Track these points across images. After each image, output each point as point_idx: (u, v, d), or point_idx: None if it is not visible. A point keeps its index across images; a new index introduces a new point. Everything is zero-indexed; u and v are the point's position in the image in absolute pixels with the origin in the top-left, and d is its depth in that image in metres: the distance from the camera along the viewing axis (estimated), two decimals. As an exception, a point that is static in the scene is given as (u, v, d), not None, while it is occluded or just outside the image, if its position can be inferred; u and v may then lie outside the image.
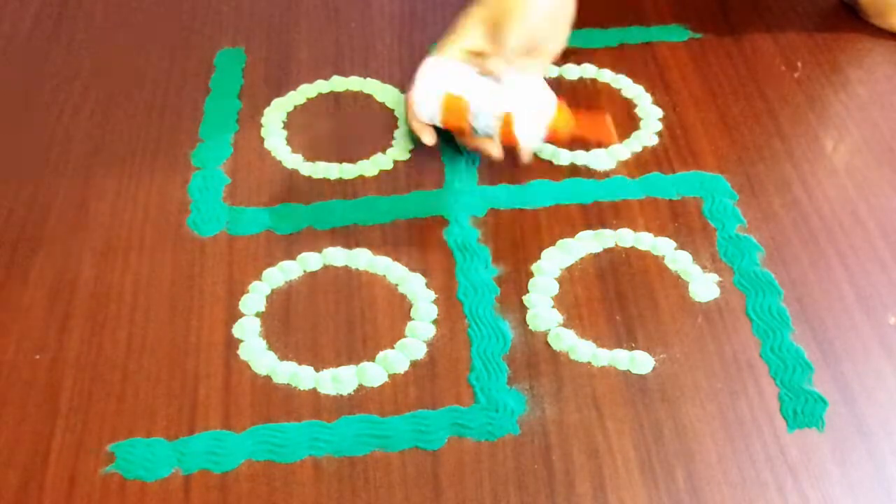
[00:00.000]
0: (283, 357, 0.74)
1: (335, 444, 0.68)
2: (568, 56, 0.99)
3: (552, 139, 0.85)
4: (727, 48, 1.01)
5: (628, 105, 0.95)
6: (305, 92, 0.96)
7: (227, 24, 1.05)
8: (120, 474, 0.67)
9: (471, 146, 0.86)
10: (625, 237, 0.82)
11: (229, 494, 0.66)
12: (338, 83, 0.97)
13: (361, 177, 0.88)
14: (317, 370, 0.73)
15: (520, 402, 0.71)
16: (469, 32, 0.86)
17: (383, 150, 0.90)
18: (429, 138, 0.86)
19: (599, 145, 0.88)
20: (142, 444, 0.68)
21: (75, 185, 0.87)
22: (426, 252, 0.81)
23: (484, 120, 0.82)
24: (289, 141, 0.91)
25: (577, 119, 0.83)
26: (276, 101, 0.95)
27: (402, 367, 0.73)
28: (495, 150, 0.84)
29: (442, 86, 0.82)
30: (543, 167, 0.88)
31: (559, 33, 0.89)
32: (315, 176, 0.88)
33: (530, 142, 0.83)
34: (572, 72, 0.98)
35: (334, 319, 0.76)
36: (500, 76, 0.82)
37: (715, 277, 0.79)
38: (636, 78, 0.97)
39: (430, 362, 0.74)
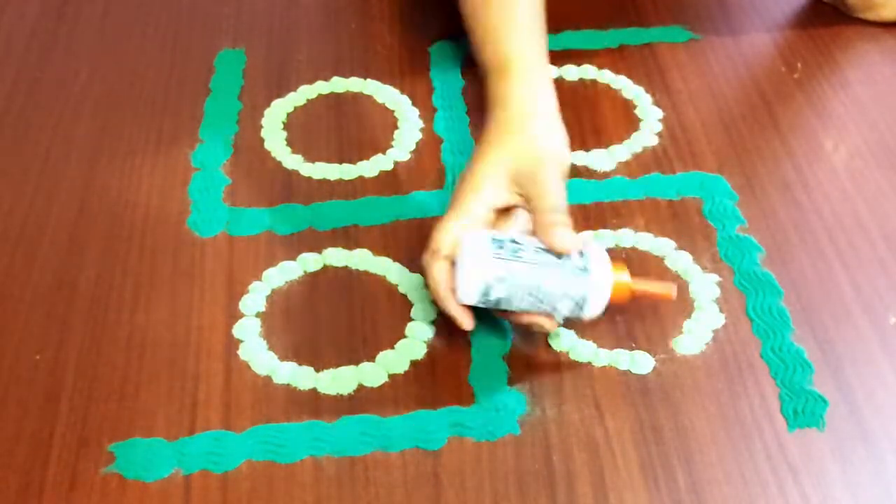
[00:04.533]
0: (283, 357, 0.74)
1: (335, 444, 0.68)
2: (569, 57, 0.99)
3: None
4: (727, 48, 1.01)
5: (628, 105, 0.95)
6: (305, 93, 0.96)
7: (228, 26, 1.05)
8: (120, 474, 0.67)
9: (523, 322, 0.72)
10: (625, 237, 0.82)
11: (229, 494, 0.66)
12: (338, 84, 0.97)
13: (361, 177, 0.88)
14: (317, 370, 0.73)
15: (520, 402, 0.71)
16: (492, 187, 0.72)
17: (383, 151, 0.90)
18: (468, 323, 0.71)
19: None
20: (142, 444, 0.68)
21: (75, 185, 0.87)
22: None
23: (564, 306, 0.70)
24: (289, 142, 0.91)
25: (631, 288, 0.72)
26: (276, 102, 0.95)
27: (402, 367, 0.73)
28: (548, 325, 0.72)
29: (490, 269, 0.68)
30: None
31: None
32: (315, 176, 0.88)
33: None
34: (572, 73, 0.98)
35: (334, 319, 0.76)
36: (557, 245, 0.70)
37: (715, 278, 0.79)
38: (636, 79, 0.97)
39: (430, 362, 0.73)
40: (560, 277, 0.69)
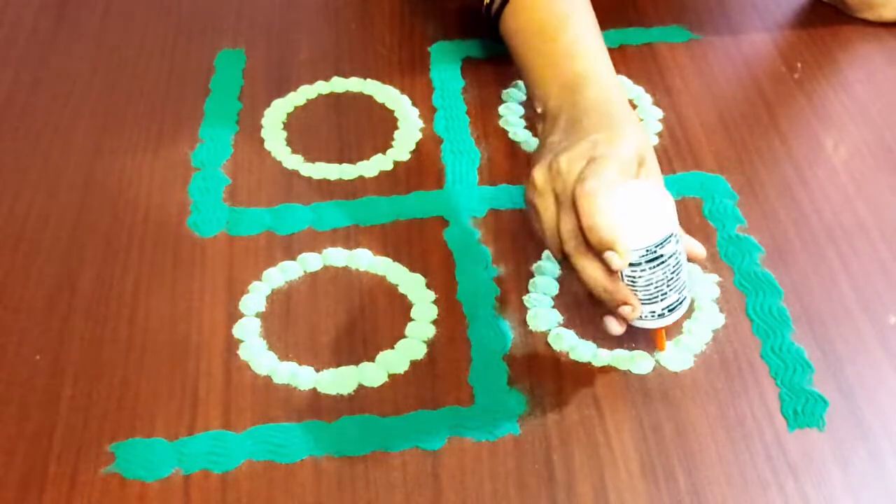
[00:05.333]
0: (284, 357, 0.74)
1: (335, 444, 0.68)
2: (568, 57, 1.00)
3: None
4: (727, 48, 1.01)
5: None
6: (305, 93, 0.96)
7: (228, 26, 1.05)
8: (120, 474, 0.67)
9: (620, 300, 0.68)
10: (625, 237, 0.82)
11: (229, 494, 0.66)
12: (338, 84, 0.97)
13: (361, 177, 0.88)
14: (317, 370, 0.73)
15: (520, 402, 0.71)
16: (631, 162, 0.69)
17: (383, 151, 0.90)
18: (621, 260, 0.66)
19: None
20: (142, 444, 0.68)
21: (75, 185, 0.87)
22: (426, 252, 0.81)
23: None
24: (289, 142, 0.91)
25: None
26: (276, 102, 0.95)
27: (402, 367, 0.73)
28: (620, 322, 0.70)
29: (674, 221, 0.67)
30: (543, 167, 0.88)
31: None
32: (315, 176, 0.88)
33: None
34: (572, 72, 0.98)
35: (334, 319, 0.76)
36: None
37: (715, 278, 0.79)
38: (636, 79, 0.97)
39: (430, 362, 0.73)
40: (689, 273, 0.70)
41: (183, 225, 0.83)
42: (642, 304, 0.69)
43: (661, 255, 0.67)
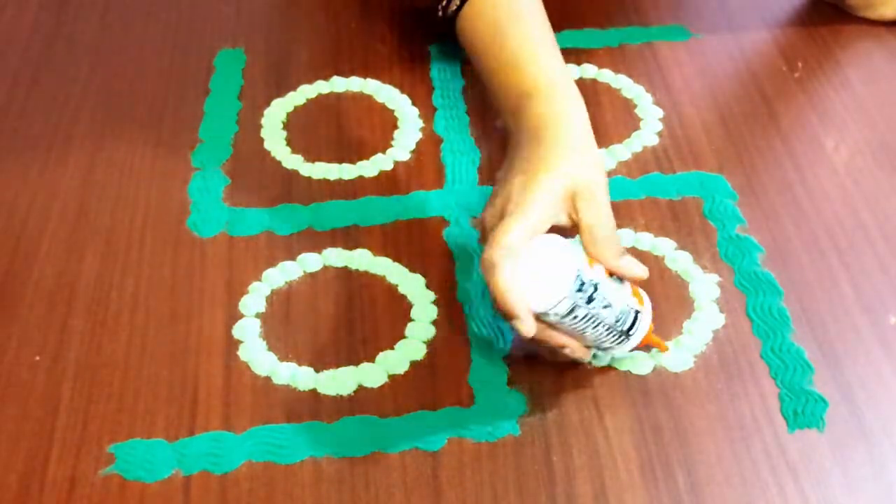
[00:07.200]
0: (283, 358, 0.74)
1: (335, 444, 0.68)
2: (568, 56, 0.99)
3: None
4: (728, 47, 1.01)
5: (628, 105, 0.95)
6: (305, 92, 0.96)
7: (227, 25, 1.05)
8: (120, 475, 0.67)
9: (561, 343, 0.69)
10: (625, 237, 0.82)
11: (229, 495, 0.66)
12: (338, 83, 0.97)
13: (361, 177, 0.88)
14: (317, 371, 0.73)
15: (520, 402, 0.71)
16: (553, 204, 0.68)
17: (383, 151, 0.90)
18: (532, 327, 0.65)
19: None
20: (142, 444, 0.68)
21: (75, 185, 0.87)
22: (426, 252, 0.81)
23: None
24: (289, 141, 0.91)
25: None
26: (276, 102, 0.95)
27: (401, 367, 0.73)
28: (581, 352, 0.70)
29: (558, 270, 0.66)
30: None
31: None
32: (315, 176, 0.88)
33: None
34: (572, 72, 0.98)
35: (334, 320, 0.76)
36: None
37: (715, 278, 0.79)
38: (636, 78, 0.97)
39: (430, 363, 0.73)
40: (625, 286, 0.68)
41: (183, 225, 0.83)
42: (602, 335, 0.68)
43: (574, 306, 0.65)
